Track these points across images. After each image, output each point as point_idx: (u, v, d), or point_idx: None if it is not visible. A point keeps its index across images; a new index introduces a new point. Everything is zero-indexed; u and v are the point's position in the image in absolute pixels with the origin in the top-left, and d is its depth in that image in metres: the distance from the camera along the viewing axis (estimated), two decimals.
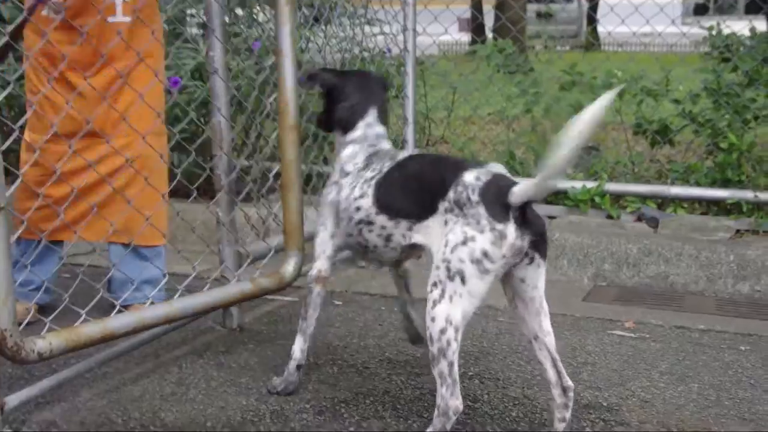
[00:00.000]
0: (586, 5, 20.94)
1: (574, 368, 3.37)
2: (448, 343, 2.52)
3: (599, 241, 4.61)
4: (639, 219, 4.98)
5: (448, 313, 2.51)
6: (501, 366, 3.40)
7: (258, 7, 5.38)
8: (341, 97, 3.04)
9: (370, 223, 2.82)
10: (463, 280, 2.49)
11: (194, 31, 5.92)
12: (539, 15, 14.20)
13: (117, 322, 2.95)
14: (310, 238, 4.05)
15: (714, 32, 5.32)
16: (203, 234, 3.86)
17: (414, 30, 5.29)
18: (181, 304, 3.21)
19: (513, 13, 6.96)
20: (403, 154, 2.92)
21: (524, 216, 2.48)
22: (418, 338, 3.28)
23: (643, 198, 5.11)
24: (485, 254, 2.46)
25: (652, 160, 5.64)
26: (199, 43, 5.13)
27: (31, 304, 3.50)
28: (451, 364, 2.54)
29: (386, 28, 5.64)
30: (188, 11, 5.56)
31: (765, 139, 5.37)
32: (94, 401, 3.04)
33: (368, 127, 3.02)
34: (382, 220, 2.79)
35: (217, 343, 3.62)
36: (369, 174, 2.87)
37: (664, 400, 3.09)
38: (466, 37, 8.40)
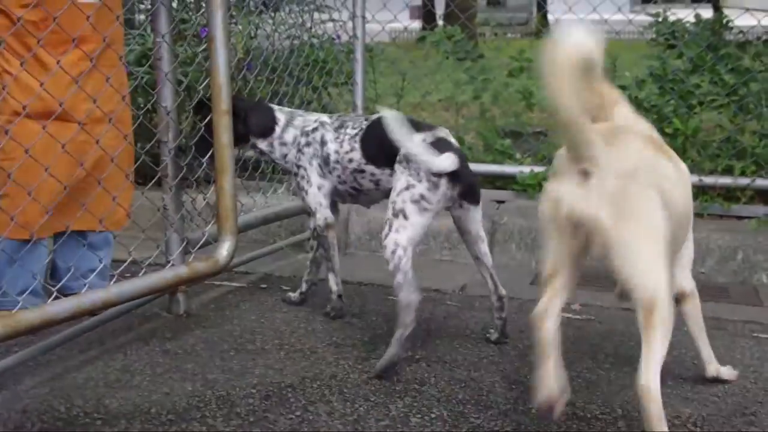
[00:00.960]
0: None
1: (520, 351, 3.40)
2: (399, 259, 3.19)
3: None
4: None
5: (395, 239, 3.19)
6: (448, 349, 3.41)
7: None
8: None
9: (362, 171, 3.53)
10: (405, 216, 3.20)
11: (141, 17, 5.85)
12: (489, 2, 14.25)
13: (56, 307, 2.91)
14: (255, 224, 4.08)
15: (660, 19, 5.36)
16: (139, 220, 3.80)
17: (363, 17, 5.27)
18: (119, 288, 3.19)
19: (462, 0, 6.96)
20: (373, 117, 3.57)
21: (456, 173, 3.18)
22: None
23: None
24: (422, 197, 3.19)
25: None
26: (146, 29, 5.07)
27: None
28: (405, 273, 3.19)
29: (335, 15, 5.62)
30: None
31: (709, 124, 5.44)
32: (37, 389, 3.00)
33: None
34: (371, 168, 3.51)
35: (163, 329, 3.59)
36: (350, 133, 3.56)
37: (609, 382, 3.12)
38: (416, 24, 8.38)
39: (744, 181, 4.86)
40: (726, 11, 5.37)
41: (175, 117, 3.56)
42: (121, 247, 3.59)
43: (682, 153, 5.06)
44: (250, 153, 4.95)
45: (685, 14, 5.37)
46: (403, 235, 3.20)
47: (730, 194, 4.94)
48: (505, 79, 5.62)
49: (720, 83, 5.10)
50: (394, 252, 3.20)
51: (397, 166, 3.28)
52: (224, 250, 3.56)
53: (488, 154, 5.44)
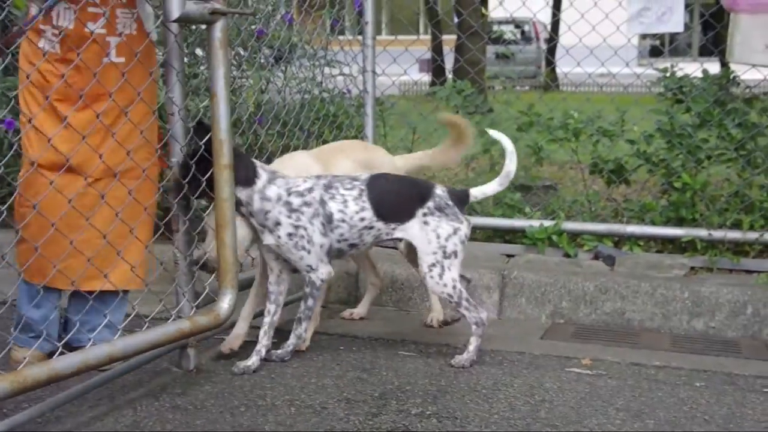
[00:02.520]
0: (544, 47, 21.25)
1: (531, 406, 3.38)
2: (460, 291, 3.79)
3: (557, 279, 4.65)
4: (596, 257, 5.04)
5: (452, 276, 3.77)
6: (459, 404, 3.40)
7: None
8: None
9: (371, 228, 3.78)
10: (455, 256, 3.77)
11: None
12: (498, 56, 14.36)
13: (62, 363, 2.92)
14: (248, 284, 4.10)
15: (667, 74, 5.41)
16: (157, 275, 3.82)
17: (373, 71, 5.35)
18: (123, 343, 3.20)
19: (471, 54, 7.04)
20: (363, 176, 3.83)
21: None
22: None
23: (600, 236, 5.17)
24: (466, 236, 3.82)
25: (608, 199, 5.71)
26: (158, 83, 5.13)
27: (30, 351, 3.34)
28: (468, 300, 3.81)
29: (346, 69, 5.69)
30: None
31: (717, 178, 5.47)
32: None
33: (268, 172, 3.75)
34: (380, 225, 3.79)
35: (174, 384, 3.59)
36: (348, 192, 3.75)
37: None
38: (426, 78, 8.45)
39: (753, 235, 4.87)
40: (733, 66, 5.42)
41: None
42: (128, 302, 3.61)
43: (691, 207, 5.09)
44: None
45: (693, 69, 5.42)
46: (454, 271, 3.77)
47: (738, 248, 4.94)
48: (514, 132, 5.66)
49: (727, 138, 5.13)
50: (454, 287, 3.77)
51: (428, 218, 3.76)
52: (225, 303, 3.58)
53: (498, 208, 5.48)
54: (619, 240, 5.19)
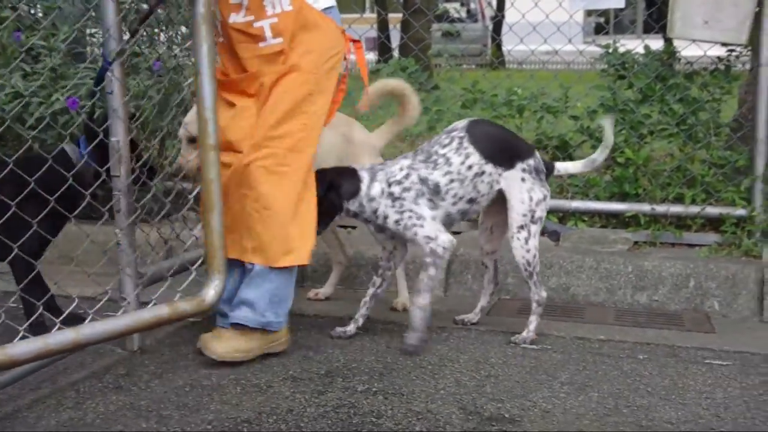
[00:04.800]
0: (490, 25, 21.29)
1: (477, 381, 3.40)
2: (537, 262, 3.81)
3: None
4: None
5: (534, 244, 3.78)
6: (405, 381, 3.41)
7: (157, 29, 5.30)
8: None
9: (483, 173, 3.69)
10: (540, 222, 3.79)
11: (95, 50, 5.82)
12: (444, 34, 14.37)
13: (20, 348, 2.84)
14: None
15: (610, 50, 5.44)
16: (90, 256, 3.76)
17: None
18: (91, 330, 3.09)
19: (416, 32, 7.01)
20: (460, 124, 3.77)
21: None
22: None
23: None
24: (548, 206, 3.85)
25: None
26: (97, 63, 5.04)
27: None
28: (539, 274, 3.85)
29: None
30: (88, 31, 5.45)
31: (660, 153, 5.52)
32: None
33: None
34: (489, 168, 3.70)
35: (117, 365, 3.55)
36: (447, 149, 3.68)
37: (565, 410, 3.14)
38: (371, 56, 8.42)
39: (695, 209, 4.94)
40: (675, 42, 5.47)
41: (126, 152, 3.52)
42: (72, 285, 3.55)
43: (634, 182, 5.14)
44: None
45: (635, 45, 5.46)
46: (537, 239, 3.79)
47: (681, 222, 5.01)
48: (459, 110, 5.66)
49: (669, 113, 5.19)
50: (534, 256, 3.78)
51: (526, 176, 3.74)
52: (211, 289, 3.42)
53: None
54: (564, 215, 5.23)
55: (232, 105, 3.64)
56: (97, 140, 3.54)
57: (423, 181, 3.67)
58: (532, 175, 3.74)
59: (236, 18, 3.54)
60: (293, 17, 3.53)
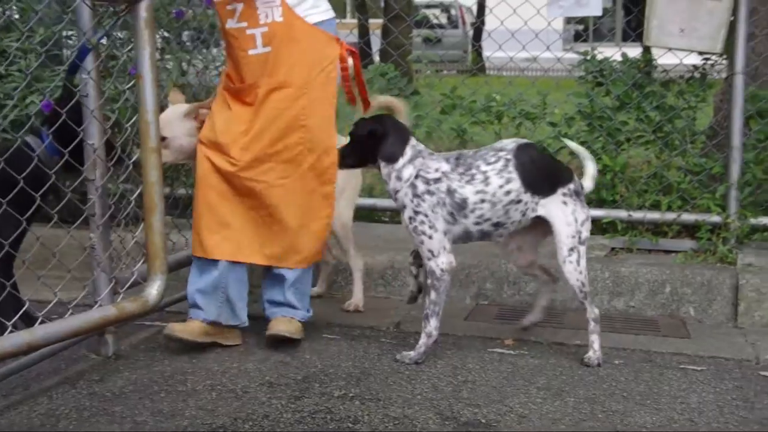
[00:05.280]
0: (470, 31, 21.32)
1: (454, 386, 3.40)
2: (588, 281, 3.71)
3: (480, 261, 4.68)
4: None
5: (584, 265, 3.67)
6: (382, 386, 3.40)
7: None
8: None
9: (519, 201, 3.60)
10: (586, 243, 3.70)
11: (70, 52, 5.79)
12: (425, 40, 14.38)
13: None
14: (187, 262, 4.03)
15: (588, 57, 5.47)
16: (67, 259, 3.74)
17: None
18: (44, 331, 3.10)
19: (395, 37, 7.03)
20: (509, 145, 3.66)
21: None
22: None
23: None
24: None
25: None
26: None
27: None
28: (590, 293, 3.74)
29: None
30: (64, 33, 5.42)
31: (637, 160, 5.55)
32: None
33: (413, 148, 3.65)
34: (527, 197, 3.62)
35: (91, 371, 3.52)
36: (491, 167, 3.58)
37: (541, 415, 3.14)
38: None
39: (671, 215, 4.96)
40: (654, 50, 5.50)
41: (102, 154, 3.51)
42: (47, 288, 3.51)
43: (611, 188, 5.16)
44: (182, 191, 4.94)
45: (612, 52, 5.49)
46: (585, 259, 3.70)
47: (657, 229, 5.03)
48: (438, 115, 5.67)
49: (646, 120, 5.22)
50: (587, 277, 3.69)
51: (567, 199, 3.66)
52: (154, 289, 3.52)
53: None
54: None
55: (229, 108, 3.76)
56: (58, 123, 3.52)
57: (450, 192, 3.57)
58: (573, 198, 3.66)
59: (232, 23, 3.67)
60: (282, 28, 3.63)
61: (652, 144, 5.26)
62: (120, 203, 3.77)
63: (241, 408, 3.17)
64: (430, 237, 3.58)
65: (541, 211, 3.67)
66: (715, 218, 4.87)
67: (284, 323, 3.80)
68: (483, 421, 3.09)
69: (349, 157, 3.72)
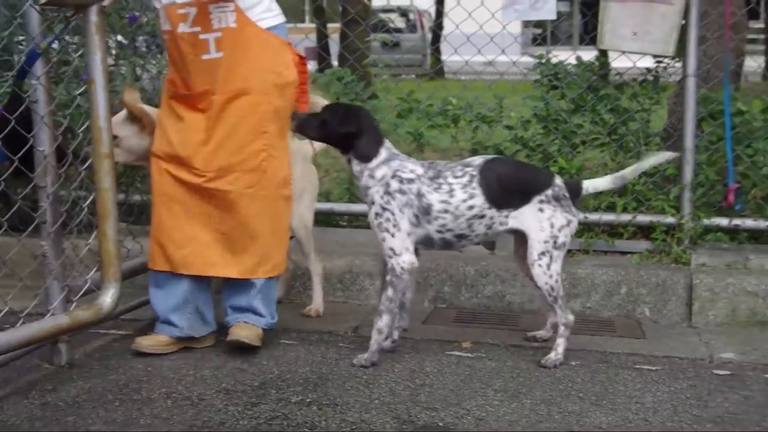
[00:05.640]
0: (429, 35, 21.38)
1: (412, 390, 3.40)
2: (560, 286, 3.71)
3: (438, 264, 4.68)
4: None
5: (556, 269, 3.67)
6: (340, 391, 3.39)
7: None
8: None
9: (482, 216, 3.63)
10: (563, 247, 3.69)
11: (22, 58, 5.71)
12: (384, 44, 14.40)
13: None
14: (142, 270, 4.00)
15: (543, 61, 5.50)
16: (18, 268, 3.71)
17: None
18: None
19: (351, 41, 7.02)
20: (477, 161, 3.70)
21: None
22: None
23: None
24: (575, 230, 3.75)
25: None
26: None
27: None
28: (563, 297, 3.72)
29: None
30: (15, 38, 5.35)
31: (592, 162, 5.59)
32: None
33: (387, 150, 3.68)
34: (491, 213, 3.64)
35: (44, 381, 3.48)
36: (456, 181, 3.62)
37: (498, 418, 3.15)
38: (311, 65, 8.39)
39: (626, 217, 5.00)
40: (610, 54, 5.55)
41: (53, 161, 3.47)
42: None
43: (578, 205, 5.18)
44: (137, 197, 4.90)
45: (566, 56, 5.52)
46: (560, 264, 3.70)
47: (613, 230, 5.07)
48: (394, 119, 5.67)
49: (601, 123, 5.25)
50: (557, 281, 3.68)
51: (544, 206, 3.65)
52: (108, 297, 3.48)
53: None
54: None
55: (180, 118, 3.68)
56: (7, 130, 3.47)
57: (419, 195, 3.61)
58: (551, 204, 3.65)
59: (184, 28, 3.59)
60: (236, 34, 3.58)
61: (607, 146, 5.30)
62: (73, 210, 3.73)
63: (197, 416, 3.15)
64: (393, 235, 3.61)
65: (512, 224, 3.69)
66: (670, 219, 4.91)
67: (245, 329, 3.77)
68: (440, 424, 3.09)
69: (312, 131, 3.69)
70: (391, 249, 3.63)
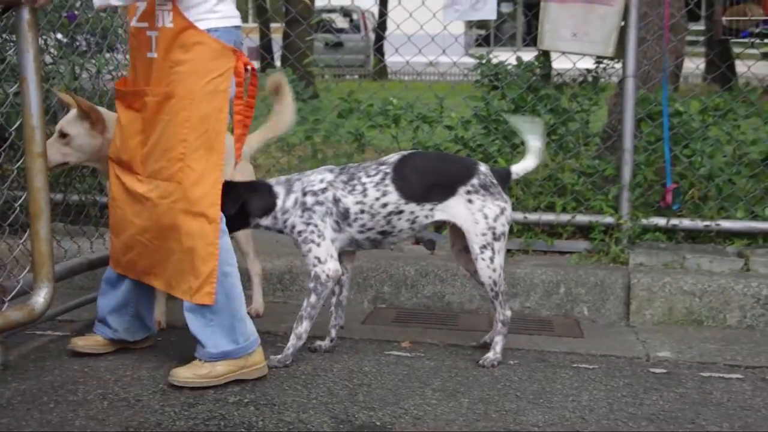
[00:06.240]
0: (372, 36, 21.42)
1: (350, 390, 3.40)
2: (502, 281, 3.69)
3: (378, 264, 4.69)
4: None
5: (500, 263, 3.66)
6: (277, 391, 3.38)
7: None
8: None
9: (401, 212, 3.61)
10: (504, 237, 3.65)
11: None
12: (327, 45, 14.39)
13: None
14: (80, 270, 3.95)
15: (483, 61, 5.53)
16: None
17: None
18: None
19: (292, 41, 7.00)
20: (392, 158, 3.68)
21: None
22: None
23: None
24: (510, 215, 3.69)
25: None
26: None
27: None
28: (504, 294, 3.70)
29: None
30: None
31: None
32: None
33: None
34: (411, 207, 3.62)
35: None
36: (369, 180, 3.61)
37: (435, 417, 3.16)
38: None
39: (565, 217, 5.06)
40: (552, 55, 5.60)
41: None
42: None
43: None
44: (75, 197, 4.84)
45: (506, 57, 5.56)
46: (502, 257, 3.67)
47: (553, 230, 5.12)
48: (335, 119, 5.66)
49: None
50: (500, 275, 3.67)
51: (472, 196, 3.61)
52: (40, 297, 3.43)
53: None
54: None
55: (121, 119, 3.56)
56: None
57: (335, 201, 3.62)
58: (479, 193, 3.62)
59: (134, 22, 3.44)
60: (170, 35, 3.37)
61: (546, 147, 5.34)
62: (6, 210, 3.67)
63: (133, 416, 3.11)
64: (318, 245, 3.62)
65: (441, 216, 3.67)
66: (608, 219, 4.98)
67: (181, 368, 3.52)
68: (378, 423, 3.09)
69: (236, 224, 3.66)
70: (317, 258, 3.63)
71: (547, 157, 5.47)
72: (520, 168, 3.81)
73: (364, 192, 3.62)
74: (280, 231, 3.72)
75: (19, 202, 3.73)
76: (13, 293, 3.58)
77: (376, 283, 4.67)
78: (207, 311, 3.42)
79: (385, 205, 3.62)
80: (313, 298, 3.65)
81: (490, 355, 3.72)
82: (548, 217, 5.09)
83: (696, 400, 3.39)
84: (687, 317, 4.44)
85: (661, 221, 4.99)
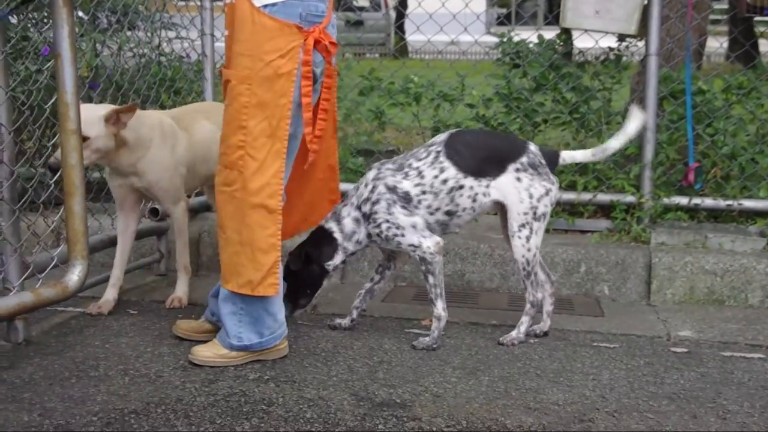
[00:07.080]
0: (393, 15, 21.32)
1: (370, 367, 3.40)
2: (537, 261, 3.68)
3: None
4: None
5: (536, 243, 3.64)
6: (297, 368, 3.39)
7: (46, 12, 5.16)
8: None
9: (461, 187, 3.59)
10: (544, 219, 3.66)
11: None
12: (348, 22, 14.34)
13: None
14: (101, 247, 3.97)
15: (504, 39, 5.49)
16: None
17: (212, 35, 5.25)
18: None
19: None
20: (440, 138, 3.68)
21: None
22: None
23: None
24: (556, 198, 3.72)
25: None
26: None
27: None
28: (536, 275, 3.69)
29: (184, 33, 5.55)
30: None
31: (554, 141, 5.61)
32: None
33: None
34: (469, 182, 3.59)
35: (0, 358, 3.44)
36: (422, 162, 3.62)
37: (455, 394, 3.16)
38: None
39: (586, 196, 5.03)
40: (574, 33, 5.55)
41: (10, 138, 3.41)
42: None
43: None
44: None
45: (528, 34, 5.52)
46: (540, 237, 3.66)
47: (574, 209, 5.10)
48: (356, 97, 5.65)
49: (562, 101, 5.27)
50: (535, 255, 3.65)
51: (521, 174, 3.60)
52: (74, 275, 3.44)
53: (341, 173, 5.44)
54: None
55: None
56: None
57: (391, 189, 3.59)
58: (528, 172, 3.61)
59: None
60: (232, 11, 3.20)
61: (568, 125, 5.32)
62: (36, 187, 3.68)
63: (154, 392, 3.13)
64: (403, 234, 3.61)
65: (495, 195, 3.64)
66: (630, 198, 4.95)
67: (189, 325, 3.71)
68: (398, 401, 3.10)
69: (318, 281, 3.74)
70: (411, 245, 3.62)
71: (568, 136, 5.46)
72: (568, 155, 3.80)
73: (420, 174, 3.60)
74: (369, 245, 3.76)
75: (54, 179, 3.71)
76: (49, 268, 3.59)
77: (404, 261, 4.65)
78: (238, 299, 3.36)
79: (445, 181, 3.59)
80: (430, 279, 3.64)
81: (513, 333, 3.72)
82: (569, 195, 5.06)
83: (717, 379, 3.37)
84: (708, 296, 4.42)
85: (683, 200, 4.95)
